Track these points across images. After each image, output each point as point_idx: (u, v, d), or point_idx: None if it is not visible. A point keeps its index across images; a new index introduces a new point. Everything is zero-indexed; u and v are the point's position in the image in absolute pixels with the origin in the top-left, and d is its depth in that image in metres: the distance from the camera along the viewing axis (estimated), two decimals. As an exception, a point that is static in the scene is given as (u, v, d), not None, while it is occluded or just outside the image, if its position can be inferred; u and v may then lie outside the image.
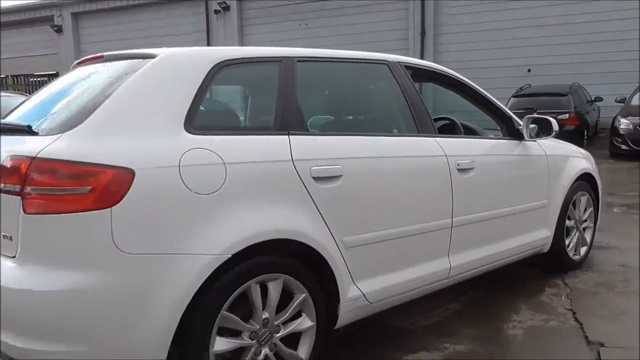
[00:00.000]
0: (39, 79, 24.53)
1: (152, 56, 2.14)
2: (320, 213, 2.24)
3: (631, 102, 10.80)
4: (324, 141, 2.38)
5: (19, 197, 1.78)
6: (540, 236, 3.55)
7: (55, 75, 24.36)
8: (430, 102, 4.89)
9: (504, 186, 3.23)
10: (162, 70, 2.08)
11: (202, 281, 1.87)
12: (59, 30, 24.32)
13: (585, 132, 11.51)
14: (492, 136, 3.51)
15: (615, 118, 10.53)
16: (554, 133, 3.42)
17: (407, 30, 18.12)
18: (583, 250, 4.01)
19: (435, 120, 3.00)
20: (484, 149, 3.16)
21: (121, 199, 1.76)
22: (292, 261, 2.18)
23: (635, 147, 9.84)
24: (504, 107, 3.47)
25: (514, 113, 3.52)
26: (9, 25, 25.67)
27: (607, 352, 2.67)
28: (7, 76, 24.71)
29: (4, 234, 1.87)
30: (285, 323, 2.20)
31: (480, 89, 3.35)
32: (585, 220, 4.03)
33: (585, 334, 2.89)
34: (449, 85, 3.28)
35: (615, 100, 11.91)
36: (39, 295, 1.76)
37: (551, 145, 3.68)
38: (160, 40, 21.66)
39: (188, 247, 1.87)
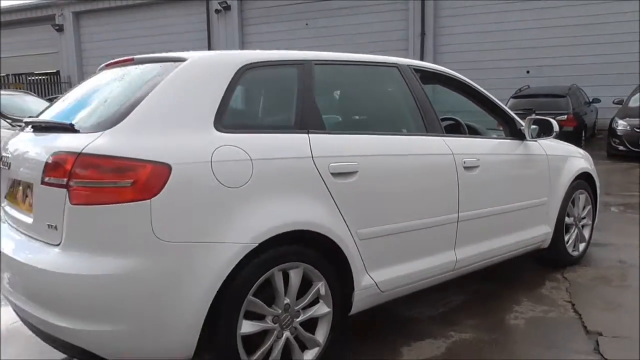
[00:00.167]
0: (39, 77, 24.66)
1: (181, 60, 2.29)
2: (337, 206, 2.39)
3: (629, 104, 10.98)
4: (341, 139, 2.54)
5: (64, 190, 1.93)
6: (541, 232, 3.71)
7: (57, 74, 24.50)
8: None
9: (507, 184, 3.39)
10: (192, 73, 2.24)
11: (231, 267, 2.03)
12: (60, 29, 24.42)
13: (583, 133, 11.67)
14: (495, 136, 3.68)
15: (612, 119, 10.70)
16: (554, 134, 3.59)
17: (407, 30, 18.26)
18: (582, 246, 4.16)
19: (442, 120, 3.16)
20: (488, 148, 3.33)
21: (159, 191, 1.92)
22: (311, 251, 2.33)
23: (633, 148, 10.02)
24: (506, 108, 3.63)
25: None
26: (10, 24, 25.76)
27: (604, 340, 2.83)
28: (9, 75, 24.81)
29: (48, 223, 2.02)
30: (304, 309, 2.35)
31: (485, 91, 3.51)
32: (584, 218, 4.19)
33: (584, 324, 3.04)
34: (455, 87, 3.44)
35: (613, 102, 12.08)
36: (82, 279, 1.91)
37: (551, 146, 3.84)
38: (160, 40, 21.81)
39: (219, 236, 2.02)
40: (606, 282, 3.72)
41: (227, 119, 2.19)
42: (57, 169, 1.97)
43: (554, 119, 3.74)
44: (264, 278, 2.17)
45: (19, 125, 8.70)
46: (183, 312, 1.97)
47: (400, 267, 2.72)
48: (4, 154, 2.45)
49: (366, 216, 2.52)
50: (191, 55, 2.33)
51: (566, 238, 3.97)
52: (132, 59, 2.52)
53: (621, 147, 10.25)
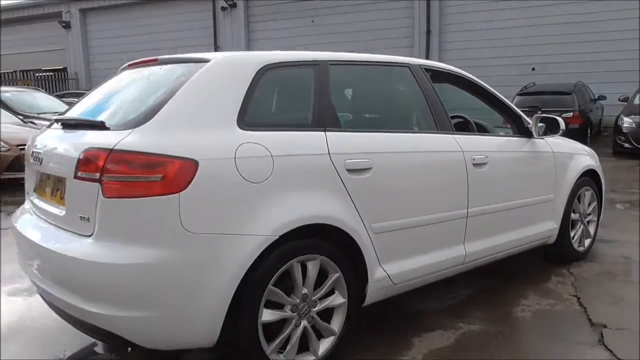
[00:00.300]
0: (46, 74, 24.83)
1: (205, 60, 2.40)
2: (352, 201, 2.49)
3: (634, 101, 11.01)
4: (356, 137, 2.64)
5: (97, 184, 2.05)
6: (547, 228, 3.80)
7: (64, 71, 24.66)
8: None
9: (514, 180, 3.49)
10: (215, 73, 2.34)
11: (254, 258, 2.14)
12: (67, 26, 24.60)
13: (589, 131, 11.72)
14: (503, 134, 3.77)
15: (618, 117, 10.75)
16: (560, 131, 3.68)
17: (413, 28, 18.32)
18: (587, 242, 4.25)
19: (451, 118, 3.25)
20: (496, 145, 3.42)
21: (187, 185, 2.03)
22: (328, 244, 2.44)
23: (638, 146, 10.06)
24: (514, 106, 3.73)
25: (518, 111, 3.76)
26: (18, 21, 25.94)
27: (609, 332, 2.92)
28: (17, 71, 24.99)
29: (80, 215, 2.13)
30: (321, 299, 2.45)
31: (493, 90, 3.61)
32: (589, 214, 4.28)
33: (589, 316, 3.14)
34: (464, 86, 3.54)
35: (619, 99, 12.13)
36: (114, 268, 2.02)
37: (558, 143, 3.93)
38: (166, 37, 21.92)
39: (243, 229, 2.13)
40: (611, 277, 3.81)
41: (248, 117, 2.30)
42: (90, 164, 2.08)
43: (559, 116, 3.82)
44: (283, 269, 2.27)
45: (31, 122, 8.79)
46: (209, 299, 2.08)
47: (412, 261, 2.82)
48: (34, 149, 2.56)
49: (380, 211, 2.62)
50: (214, 56, 2.43)
51: (572, 234, 4.06)
52: (156, 59, 2.62)
53: (627, 145, 10.30)
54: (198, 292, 2.07)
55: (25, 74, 24.61)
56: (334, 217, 2.41)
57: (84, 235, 2.13)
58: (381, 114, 3.11)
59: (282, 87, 2.61)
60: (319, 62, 2.66)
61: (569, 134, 4.66)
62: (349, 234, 2.47)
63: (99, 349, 2.81)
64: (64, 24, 24.50)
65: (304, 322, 2.39)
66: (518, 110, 3.72)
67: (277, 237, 2.20)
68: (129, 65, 2.87)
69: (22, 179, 8.57)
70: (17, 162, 7.86)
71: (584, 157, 4.19)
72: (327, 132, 2.50)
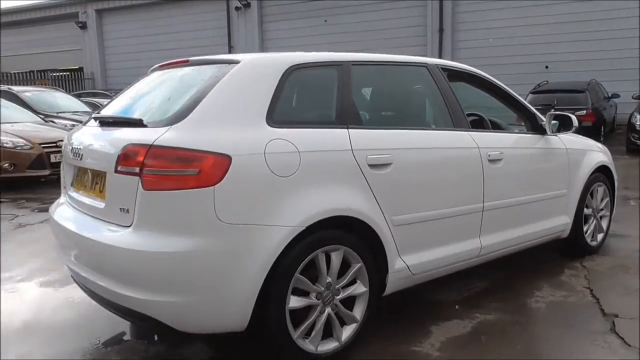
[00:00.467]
0: (62, 73, 25.20)
1: (235, 61, 2.54)
2: (374, 195, 2.62)
3: (648, 99, 11.03)
4: (377, 133, 2.77)
5: (137, 177, 2.19)
6: (560, 222, 3.90)
7: (80, 70, 25.01)
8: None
9: (528, 176, 3.59)
10: (245, 74, 2.49)
11: (282, 247, 2.27)
12: (83, 26, 24.96)
13: (602, 129, 11.73)
14: (517, 131, 3.88)
15: (632, 114, 10.75)
16: (573, 128, 3.78)
17: (425, 27, 18.38)
18: (600, 236, 4.34)
19: (467, 116, 3.36)
20: (511, 142, 3.53)
21: (221, 179, 2.17)
22: (350, 236, 2.57)
23: (652, 143, 10.08)
24: (528, 104, 3.83)
25: (531, 109, 3.86)
26: (35, 21, 26.35)
27: (620, 322, 3.02)
28: (33, 71, 25.38)
29: (120, 207, 2.29)
30: (344, 287, 2.58)
31: (507, 88, 3.71)
32: (602, 209, 4.37)
33: (602, 307, 3.24)
34: (479, 85, 3.65)
35: (633, 97, 12.13)
36: (152, 255, 2.17)
37: (571, 140, 4.02)
38: (181, 37, 22.17)
39: (272, 220, 2.26)
40: (623, 270, 3.90)
41: (276, 115, 2.44)
42: (131, 159, 2.23)
43: (572, 114, 3.91)
44: (309, 258, 2.41)
45: (52, 121, 8.99)
46: (241, 285, 2.22)
47: (430, 252, 2.95)
48: (74, 146, 2.72)
49: (399, 204, 2.75)
50: (243, 57, 2.57)
51: (585, 228, 4.15)
52: (188, 61, 2.77)
53: (640, 142, 10.31)
54: (231, 279, 2.21)
55: (42, 73, 24.99)
56: (357, 209, 2.54)
57: (124, 226, 2.28)
58: (400, 111, 3.23)
59: (307, 87, 2.74)
60: (341, 62, 2.79)
61: (583, 132, 4.74)
62: (370, 226, 2.60)
63: (127, 336, 2.97)
64: (80, 25, 24.87)
65: (328, 309, 2.53)
66: (532, 107, 3.82)
67: (304, 228, 2.33)
68: (160, 66, 3.02)
69: (44, 176, 8.79)
70: (39, 160, 8.09)
71: (596, 153, 4.27)
72: (349, 129, 2.63)
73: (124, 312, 2.38)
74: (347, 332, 2.62)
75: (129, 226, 2.25)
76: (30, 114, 9.89)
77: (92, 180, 2.57)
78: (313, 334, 2.48)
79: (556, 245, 4.14)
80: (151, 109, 2.59)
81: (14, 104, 10.02)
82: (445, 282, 3.43)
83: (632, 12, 14.98)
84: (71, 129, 9.36)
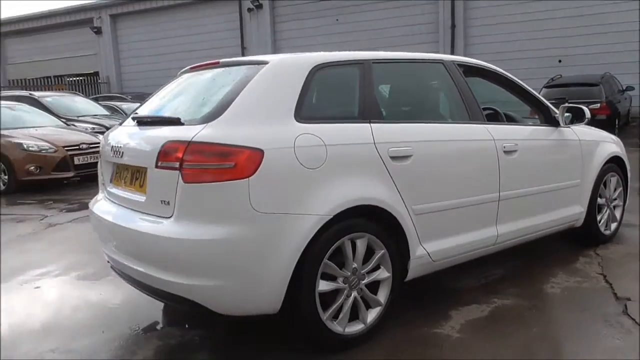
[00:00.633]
0: (77, 78, 25.63)
1: (264, 62, 2.71)
2: (395, 185, 2.78)
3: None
4: (397, 127, 2.93)
5: (177, 172, 2.38)
6: (574, 212, 4.02)
7: (95, 75, 25.41)
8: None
9: (542, 166, 3.72)
10: (274, 73, 2.66)
11: (312, 234, 2.44)
12: (98, 31, 25.34)
13: (617, 121, 11.71)
14: (531, 123, 4.01)
15: (646, 107, 10.76)
16: (586, 120, 3.91)
17: (437, 23, 18.44)
18: (613, 226, 4.46)
19: (482, 110, 3.50)
20: (525, 134, 3.67)
21: (255, 171, 2.34)
22: (374, 224, 2.73)
23: (666, 136, 10.07)
24: (541, 97, 3.96)
25: (545, 103, 3.98)
26: (50, 28, 26.80)
27: (632, 305, 3.15)
28: (50, 76, 25.83)
29: (161, 199, 2.47)
30: (368, 273, 2.75)
31: (521, 82, 3.85)
32: (615, 199, 4.48)
33: (615, 291, 3.37)
34: (494, 79, 3.79)
35: (647, 90, 12.12)
36: (193, 243, 2.35)
37: (584, 131, 4.14)
38: (194, 39, 22.47)
39: (303, 209, 2.43)
40: (636, 258, 4.00)
41: (304, 111, 2.61)
42: (171, 155, 2.41)
43: (587, 107, 4.03)
44: (336, 245, 2.57)
45: (73, 124, 9.29)
46: (274, 270, 2.39)
47: (449, 240, 3.10)
48: (114, 144, 2.91)
49: (420, 194, 2.90)
50: (272, 58, 2.75)
51: (598, 218, 4.26)
52: (218, 62, 2.96)
53: (655, 135, 10.31)
54: (265, 264, 2.38)
55: (59, 79, 25.43)
56: (380, 199, 2.70)
57: (165, 217, 2.46)
58: (419, 106, 3.38)
59: (331, 84, 2.90)
60: (363, 61, 2.96)
61: (597, 125, 4.82)
62: (392, 215, 2.76)
63: (160, 325, 3.16)
64: (95, 30, 25.26)
65: (354, 293, 2.69)
66: (546, 101, 3.95)
67: (332, 216, 2.50)
68: (191, 68, 3.20)
69: (66, 178, 9.07)
70: (63, 162, 8.35)
71: (609, 144, 4.38)
72: (372, 124, 2.79)
73: (164, 296, 2.57)
74: (372, 315, 2.78)
75: (170, 217, 2.44)
76: (53, 118, 10.17)
77: (132, 176, 2.75)
78: (341, 316, 2.65)
79: (571, 234, 4.26)
80: (186, 108, 2.78)
81: (36, 109, 10.31)
82: (462, 271, 3.58)
83: (646, 4, 14.93)
84: (91, 132, 9.66)
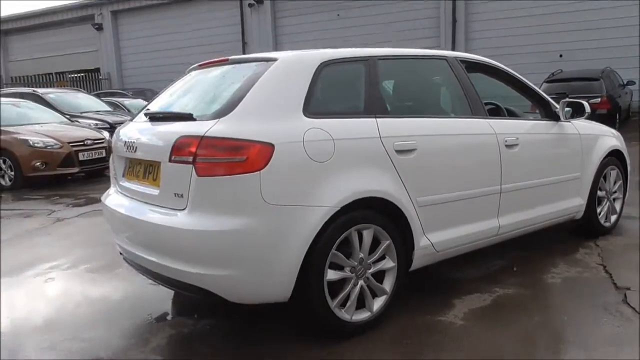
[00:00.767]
0: (78, 74, 25.70)
1: (272, 59, 2.80)
2: (400, 178, 2.87)
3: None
4: (402, 122, 3.01)
5: (190, 166, 2.46)
6: (575, 204, 4.11)
7: (96, 71, 25.47)
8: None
9: (543, 160, 3.80)
10: (283, 70, 2.74)
11: (321, 225, 2.53)
12: (99, 28, 25.40)
13: (618, 116, 11.76)
14: (532, 118, 4.09)
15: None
16: (586, 114, 3.99)
17: (438, 18, 18.49)
18: (613, 218, 4.54)
19: (484, 105, 3.59)
20: (526, 128, 3.75)
21: (266, 165, 2.42)
22: (380, 215, 2.81)
23: (667, 130, 10.12)
24: (542, 92, 4.04)
25: (546, 98, 4.06)
26: (52, 25, 26.84)
27: (632, 294, 3.23)
28: (52, 73, 25.90)
29: (175, 192, 2.55)
30: (374, 262, 2.83)
31: (522, 77, 3.93)
32: (615, 192, 4.56)
33: (614, 281, 3.45)
34: (495, 75, 3.87)
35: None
36: (207, 234, 2.44)
37: (584, 126, 4.22)
38: (195, 35, 22.52)
39: (312, 201, 2.52)
40: (636, 249, 4.08)
41: (312, 106, 2.69)
42: (184, 149, 2.50)
43: (587, 102, 4.10)
44: (344, 236, 2.66)
45: (77, 121, 9.39)
46: (285, 260, 2.48)
47: (452, 231, 3.19)
48: (127, 140, 2.99)
49: (424, 186, 2.99)
50: (280, 55, 2.83)
51: (598, 210, 4.34)
52: (227, 59, 3.04)
53: (655, 129, 10.36)
54: (276, 254, 2.47)
55: (60, 75, 25.49)
56: (385, 191, 2.79)
57: (178, 209, 2.55)
58: (423, 101, 3.47)
59: (338, 80, 2.98)
60: (368, 57, 3.04)
61: (598, 119, 4.88)
62: (397, 206, 2.85)
63: (170, 316, 3.25)
64: (96, 26, 25.32)
65: (360, 282, 2.78)
66: (546, 95, 4.03)
67: (339, 208, 2.58)
68: (199, 65, 3.28)
69: (71, 174, 9.22)
70: (68, 158, 8.44)
71: (609, 138, 4.46)
72: (377, 119, 2.88)
73: (178, 285, 2.66)
74: (378, 303, 2.87)
75: (183, 209, 2.52)
76: (57, 114, 10.25)
77: (145, 170, 2.84)
78: (348, 304, 2.74)
79: (571, 226, 4.34)
80: (197, 104, 2.86)
81: (41, 106, 10.39)
82: (464, 262, 3.67)
83: (646, -2, 14.96)
84: (94, 128, 9.74)
